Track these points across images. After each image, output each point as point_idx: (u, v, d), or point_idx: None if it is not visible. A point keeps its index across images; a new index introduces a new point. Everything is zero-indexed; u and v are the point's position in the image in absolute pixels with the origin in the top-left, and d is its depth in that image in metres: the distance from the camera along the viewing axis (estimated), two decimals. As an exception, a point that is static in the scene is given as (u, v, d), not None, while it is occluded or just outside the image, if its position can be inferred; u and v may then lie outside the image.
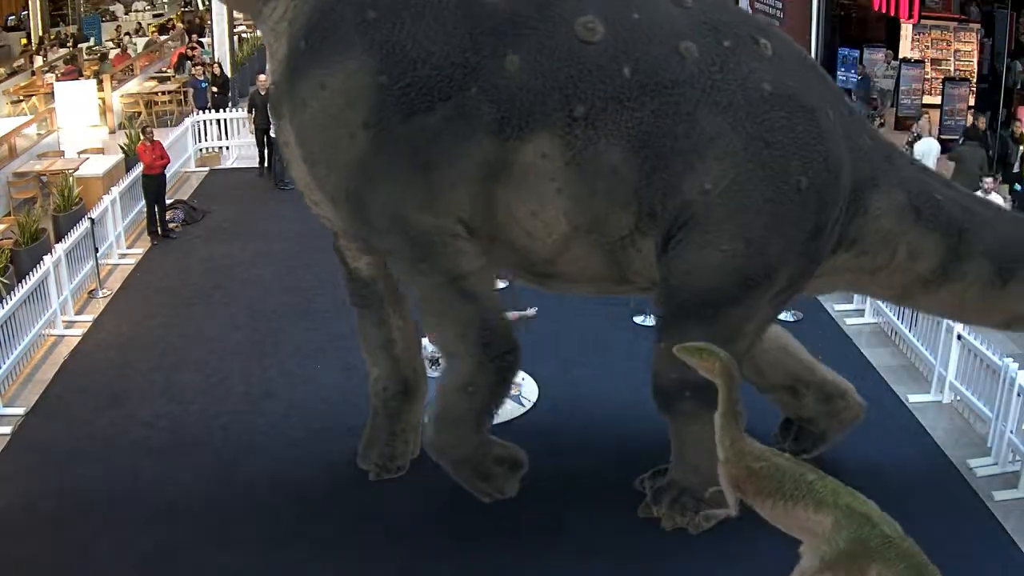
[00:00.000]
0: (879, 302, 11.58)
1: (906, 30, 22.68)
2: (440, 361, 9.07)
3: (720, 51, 6.97)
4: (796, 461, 6.31)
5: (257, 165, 17.81)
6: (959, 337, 9.65)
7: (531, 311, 9.94)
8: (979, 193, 11.50)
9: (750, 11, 26.90)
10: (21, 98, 22.62)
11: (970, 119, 18.70)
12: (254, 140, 17.73)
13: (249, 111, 17.37)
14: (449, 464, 7.86)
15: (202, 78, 20.52)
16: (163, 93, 22.49)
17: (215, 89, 20.36)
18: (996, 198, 11.42)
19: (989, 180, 11.56)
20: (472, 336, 7.43)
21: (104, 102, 20.79)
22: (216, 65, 21.20)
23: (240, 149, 18.75)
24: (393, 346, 8.37)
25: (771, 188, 6.92)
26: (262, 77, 17.00)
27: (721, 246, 6.98)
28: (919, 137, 15.87)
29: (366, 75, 6.83)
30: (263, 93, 16.24)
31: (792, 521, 6.17)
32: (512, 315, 9.00)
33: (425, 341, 9.07)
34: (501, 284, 12.16)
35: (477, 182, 7.04)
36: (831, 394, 8.52)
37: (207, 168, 18.43)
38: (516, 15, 6.90)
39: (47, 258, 11.50)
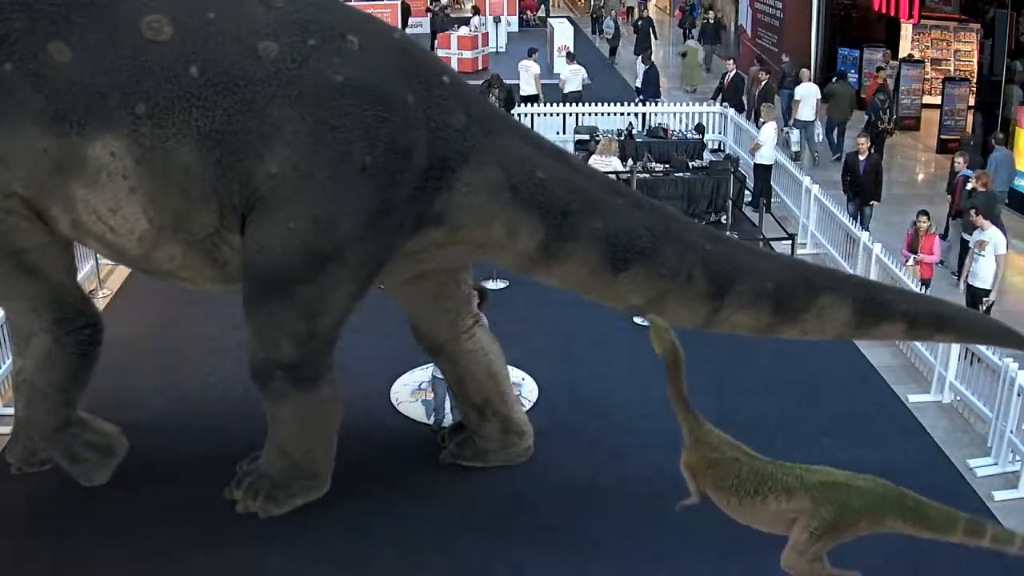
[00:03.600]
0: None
1: (906, 30, 22.70)
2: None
3: (303, 49, 7.02)
4: (748, 453, 6.39)
5: None
6: (959, 337, 9.66)
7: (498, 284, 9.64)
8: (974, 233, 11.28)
9: (750, 11, 26.89)
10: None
11: (970, 119, 18.74)
12: None
13: None
14: (40, 440, 8.11)
15: None
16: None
17: None
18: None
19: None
20: (44, 312, 7.58)
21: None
22: None
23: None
24: None
25: (333, 168, 7.03)
26: None
27: (288, 224, 7.07)
28: (800, 81, 19.20)
29: None
30: None
31: (760, 515, 6.31)
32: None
33: None
34: (500, 285, 12.21)
35: (45, 172, 6.99)
36: (510, 430, 8.72)
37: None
38: (71, 5, 6.82)
39: (47, 258, 11.46)
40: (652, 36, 27.39)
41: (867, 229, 13.23)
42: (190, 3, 7.04)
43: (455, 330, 8.44)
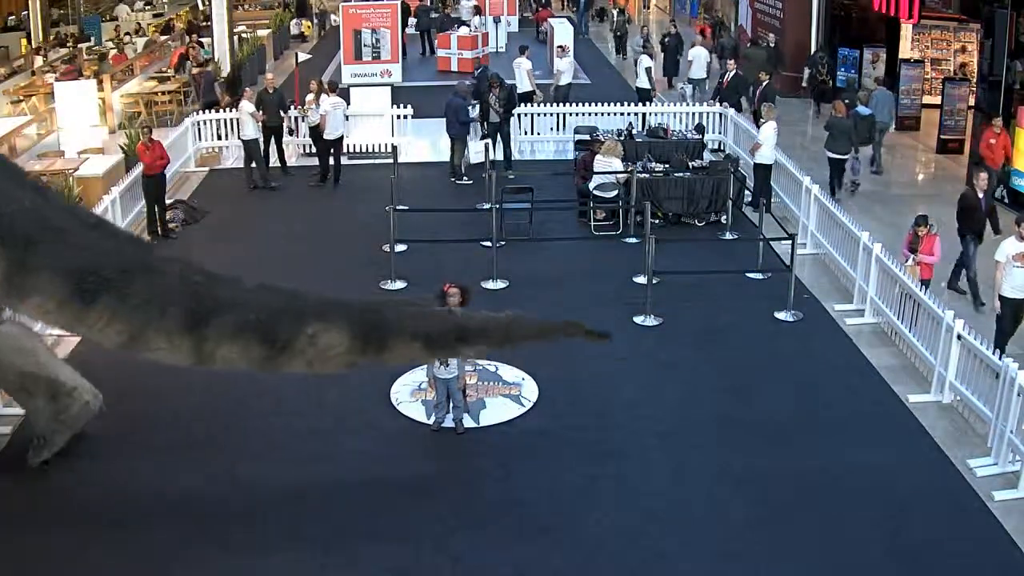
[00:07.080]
0: (879, 302, 11.59)
1: (906, 30, 22.68)
2: (448, 361, 9.08)
3: None
4: None
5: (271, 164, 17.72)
6: (959, 337, 9.65)
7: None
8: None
9: (749, 11, 26.89)
10: (21, 98, 22.59)
11: (970, 119, 18.70)
12: (260, 140, 17.62)
13: (256, 109, 17.33)
14: None
15: (210, 68, 20.44)
16: (163, 93, 22.48)
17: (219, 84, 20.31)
18: None
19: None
20: None
21: (104, 102, 20.75)
22: (209, 65, 21.15)
23: (240, 149, 18.72)
24: None
25: None
26: (269, 76, 19.04)
27: None
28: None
29: None
30: (271, 92, 17.66)
31: None
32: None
33: None
34: (501, 285, 12.10)
35: None
36: (59, 394, 8.73)
37: (207, 168, 18.40)
38: None
39: (47, 258, 11.44)
40: (678, 54, 26.61)
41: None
42: None
43: None
